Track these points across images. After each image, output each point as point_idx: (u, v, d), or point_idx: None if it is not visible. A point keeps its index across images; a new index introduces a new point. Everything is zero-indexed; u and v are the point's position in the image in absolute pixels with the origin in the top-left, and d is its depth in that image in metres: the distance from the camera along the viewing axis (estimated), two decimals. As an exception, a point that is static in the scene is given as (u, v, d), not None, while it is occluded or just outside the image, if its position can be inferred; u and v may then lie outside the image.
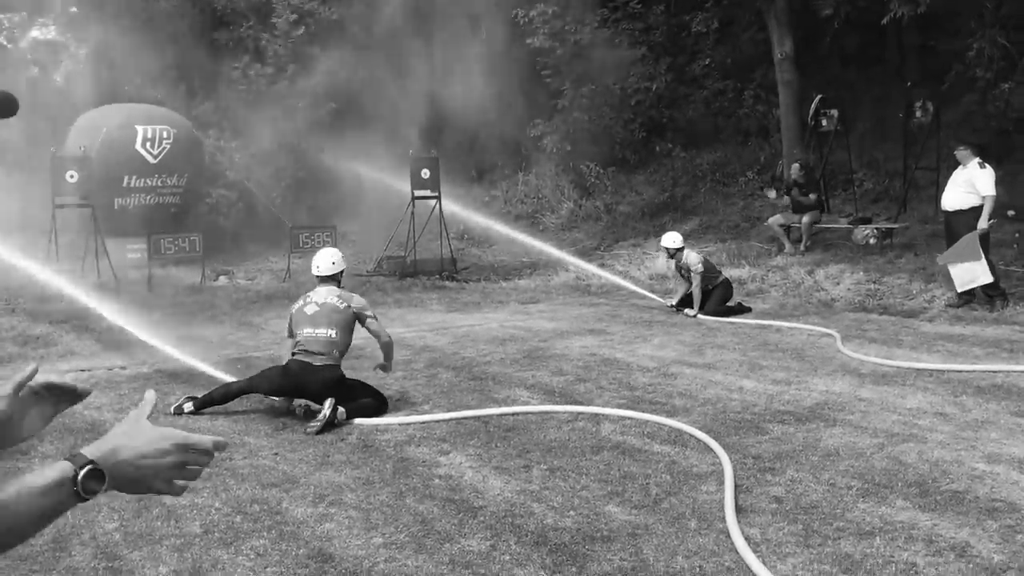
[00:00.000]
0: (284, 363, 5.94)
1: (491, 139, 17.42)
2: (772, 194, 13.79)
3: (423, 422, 5.71)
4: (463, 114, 15.86)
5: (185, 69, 17.65)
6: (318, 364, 5.77)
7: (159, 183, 15.12)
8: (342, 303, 5.95)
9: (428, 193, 14.75)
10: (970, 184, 9.47)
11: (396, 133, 15.87)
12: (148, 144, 14.81)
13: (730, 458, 4.68)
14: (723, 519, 3.93)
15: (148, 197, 15.05)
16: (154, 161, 14.94)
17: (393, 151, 15.47)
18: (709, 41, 17.33)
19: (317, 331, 5.85)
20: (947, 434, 5.16)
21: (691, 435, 5.20)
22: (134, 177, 14.82)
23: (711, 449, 4.91)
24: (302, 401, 5.91)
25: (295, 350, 5.89)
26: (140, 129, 14.66)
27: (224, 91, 17.50)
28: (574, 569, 3.53)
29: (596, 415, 5.74)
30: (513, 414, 5.80)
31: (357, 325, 6.05)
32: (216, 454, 1.37)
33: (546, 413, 5.81)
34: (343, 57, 16.63)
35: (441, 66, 16.45)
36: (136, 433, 1.24)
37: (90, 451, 1.21)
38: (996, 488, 4.27)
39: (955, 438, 5.08)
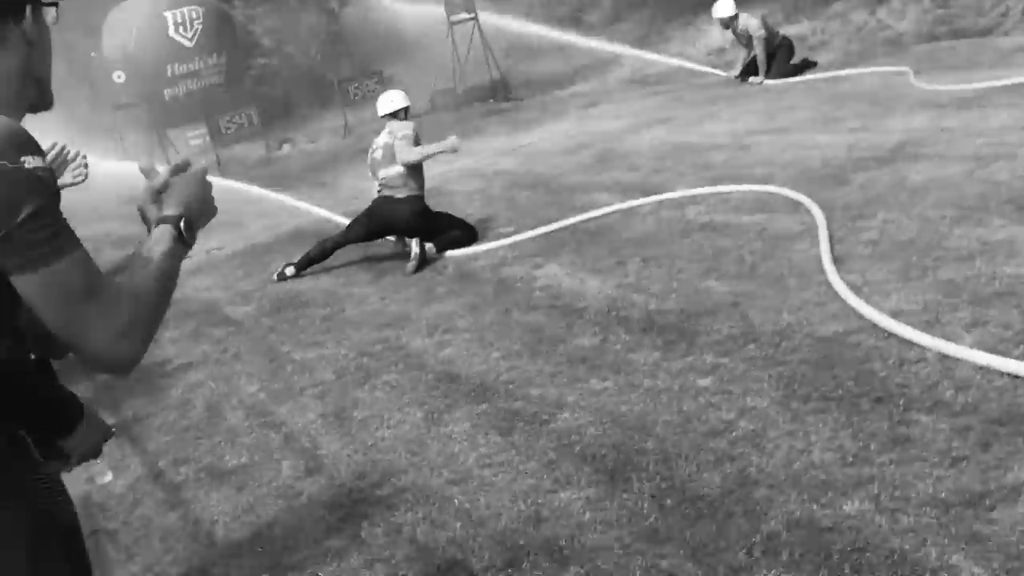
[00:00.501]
0: (368, 207, 6.20)
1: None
2: None
3: (513, 243, 5.85)
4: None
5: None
6: (400, 197, 6.01)
7: (201, 65, 15.12)
8: (393, 139, 6.06)
9: (464, 16, 14.31)
10: None
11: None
12: (181, 29, 14.74)
13: (820, 209, 4.69)
14: (822, 271, 4.01)
15: (194, 82, 15.11)
16: (190, 44, 14.89)
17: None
18: None
19: (388, 170, 6.05)
20: (1040, 146, 5.03)
21: (778, 195, 5.20)
22: (176, 64, 14.84)
23: (800, 207, 4.92)
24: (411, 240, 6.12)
25: (378, 189, 6.16)
26: (169, 15, 14.54)
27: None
28: (684, 345, 3.70)
29: (679, 201, 5.77)
30: (597, 217, 5.88)
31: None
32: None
33: (629, 210, 5.86)
34: None
35: None
36: (184, 184, 1.50)
37: (171, 210, 1.44)
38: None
39: (1049, 148, 4.94)
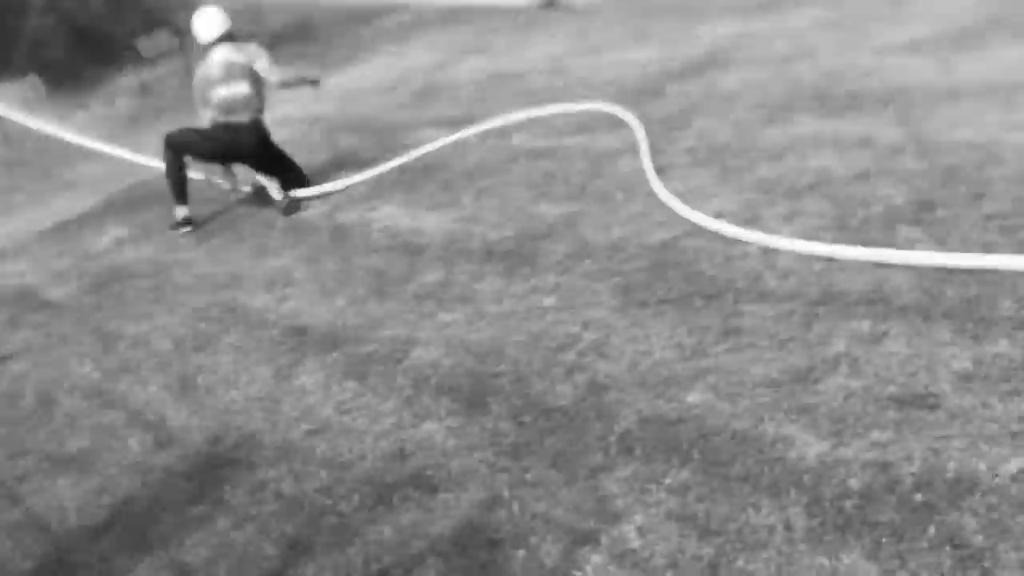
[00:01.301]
0: (208, 127, 5.73)
1: None
2: None
3: (346, 186, 5.70)
4: None
5: None
6: (245, 122, 5.62)
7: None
8: (242, 57, 5.67)
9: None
10: None
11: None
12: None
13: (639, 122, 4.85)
14: (646, 183, 4.16)
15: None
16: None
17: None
18: None
19: (231, 89, 5.61)
20: (835, 42, 5.38)
21: (599, 115, 5.33)
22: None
23: (620, 124, 5.06)
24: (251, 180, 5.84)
25: (212, 116, 5.69)
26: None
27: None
28: (527, 268, 3.77)
29: (504, 129, 5.80)
30: (425, 154, 5.82)
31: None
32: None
33: (457, 143, 5.83)
34: None
35: None
36: None
37: None
38: (888, 78, 4.54)
39: (843, 44, 5.30)
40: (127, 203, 6.93)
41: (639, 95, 5.55)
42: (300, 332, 3.84)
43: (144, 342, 4.23)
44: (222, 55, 5.67)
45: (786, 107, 4.61)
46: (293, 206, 5.59)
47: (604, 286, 3.39)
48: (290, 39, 13.52)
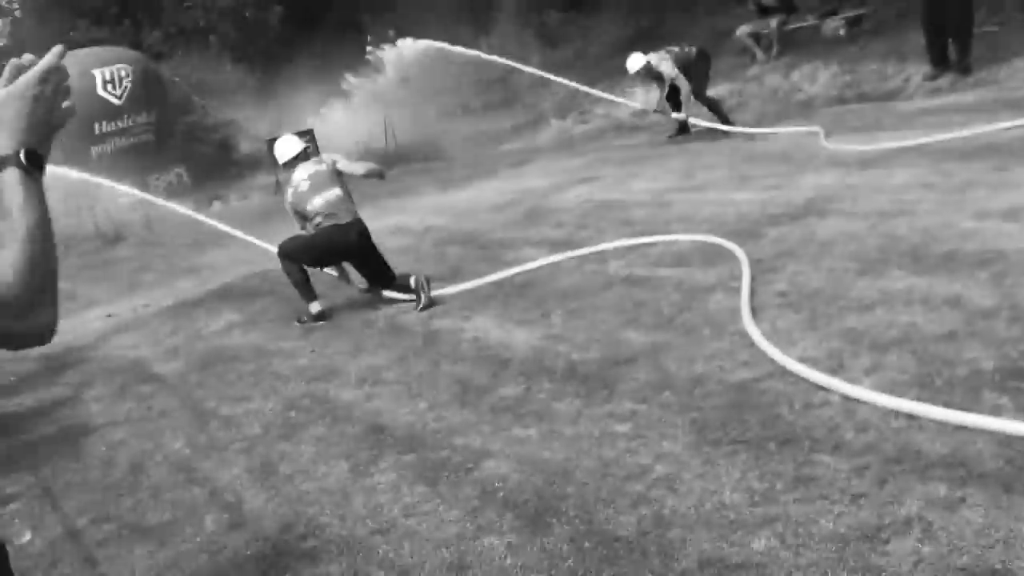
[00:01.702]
0: (315, 231, 6.00)
1: (445, 11, 17.00)
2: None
3: (452, 294, 5.91)
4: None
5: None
6: (347, 221, 5.92)
7: (130, 123, 15.00)
8: (323, 165, 6.12)
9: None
10: None
11: (351, 25, 15.55)
12: (109, 86, 14.63)
13: (741, 254, 4.94)
14: (735, 323, 4.20)
15: (123, 139, 14.97)
16: (119, 102, 14.78)
17: (352, 45, 15.21)
18: None
19: (326, 195, 5.95)
20: (935, 202, 5.37)
21: (695, 250, 5.42)
22: (104, 122, 14.70)
23: (715, 263, 5.14)
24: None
25: (317, 222, 5.97)
26: (98, 73, 14.44)
27: (170, 16, 17.09)
28: (605, 392, 3.83)
29: (602, 255, 5.96)
30: (524, 272, 6.02)
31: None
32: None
33: (554, 264, 6.02)
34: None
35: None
36: (10, 100, 1.26)
37: (3, 146, 1.24)
38: (985, 241, 4.51)
39: (942, 204, 5.29)
40: (244, 291, 7.36)
41: (737, 235, 5.63)
42: (381, 430, 3.97)
43: (236, 424, 4.45)
44: (304, 170, 6.13)
45: (880, 260, 4.60)
46: (430, 302, 5.79)
47: (680, 420, 3.41)
48: (416, 156, 14.30)
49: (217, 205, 14.04)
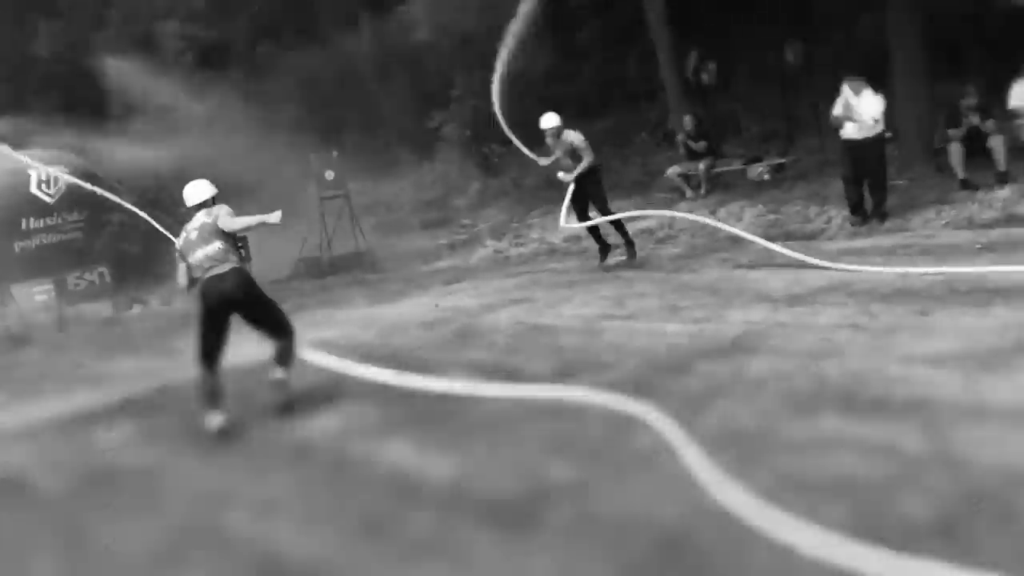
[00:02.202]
0: (199, 297, 5.88)
1: (391, 135, 17.40)
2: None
3: (358, 415, 5.64)
4: (360, 113, 15.84)
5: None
6: (225, 271, 5.81)
7: (59, 220, 14.67)
8: (211, 217, 6.01)
9: (333, 192, 14.62)
10: (866, 111, 9.83)
11: (295, 139, 15.73)
12: (43, 186, 14.40)
13: (657, 404, 4.76)
14: (665, 459, 4.01)
15: (49, 236, 14.58)
16: (51, 201, 14.50)
17: (294, 155, 15.32)
18: (588, 13, 17.70)
19: (206, 249, 5.87)
20: (862, 345, 5.37)
21: (631, 370, 5.28)
22: (32, 219, 14.38)
23: (647, 394, 4.98)
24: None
25: (197, 276, 5.90)
26: (33, 173, 14.26)
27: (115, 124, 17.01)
28: (526, 531, 3.56)
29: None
30: (445, 395, 5.76)
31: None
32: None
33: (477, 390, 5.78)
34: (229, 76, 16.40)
35: (330, 69, 16.36)
36: None
37: None
38: (913, 388, 4.46)
39: (870, 348, 5.28)
40: (145, 404, 6.93)
41: (666, 370, 5.53)
42: (278, 561, 3.61)
43: (115, 552, 4.01)
44: (198, 220, 6.08)
45: (811, 402, 4.51)
46: (289, 406, 5.66)
47: (604, 563, 3.16)
48: (350, 266, 14.16)
49: (137, 308, 13.55)
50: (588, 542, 3.36)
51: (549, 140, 10.31)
